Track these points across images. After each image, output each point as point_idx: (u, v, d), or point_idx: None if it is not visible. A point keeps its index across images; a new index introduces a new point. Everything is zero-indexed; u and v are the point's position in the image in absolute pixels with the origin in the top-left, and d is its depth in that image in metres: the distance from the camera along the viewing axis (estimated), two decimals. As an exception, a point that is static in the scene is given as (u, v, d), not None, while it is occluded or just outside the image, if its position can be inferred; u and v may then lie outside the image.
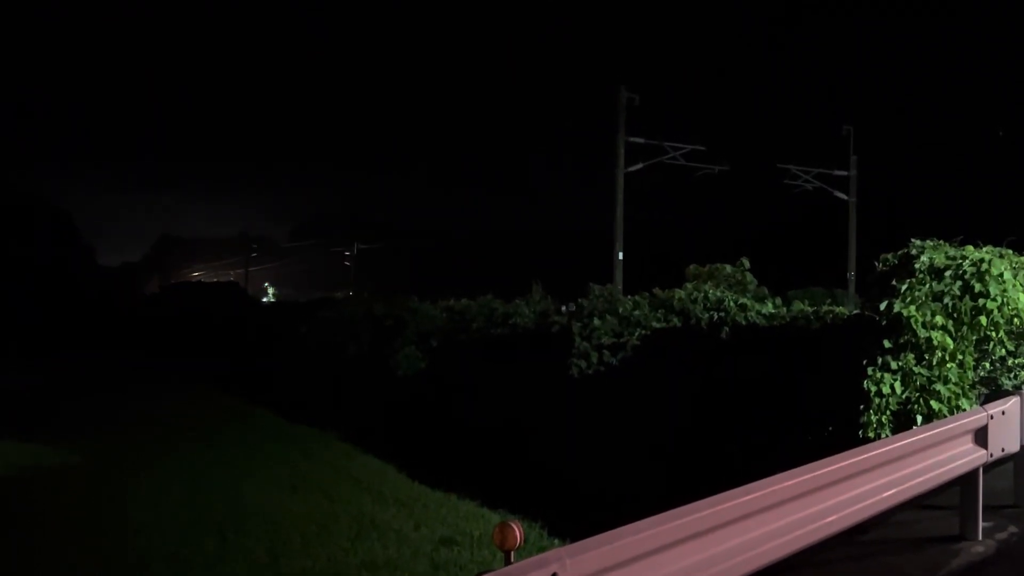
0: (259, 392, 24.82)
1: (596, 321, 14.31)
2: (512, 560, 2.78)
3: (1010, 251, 10.08)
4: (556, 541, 9.99)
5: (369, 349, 21.55)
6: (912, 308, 9.11)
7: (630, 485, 11.27)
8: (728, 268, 20.04)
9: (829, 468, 4.34)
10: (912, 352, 9.10)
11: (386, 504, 12.11)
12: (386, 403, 19.07)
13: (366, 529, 10.56)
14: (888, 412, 9.04)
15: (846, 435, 9.06)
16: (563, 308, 17.26)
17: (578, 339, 14.20)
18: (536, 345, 15.80)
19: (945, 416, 8.57)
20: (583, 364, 13.95)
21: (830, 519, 4.32)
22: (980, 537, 5.66)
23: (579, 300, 16.26)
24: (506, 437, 14.73)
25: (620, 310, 14.60)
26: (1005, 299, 9.16)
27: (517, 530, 2.79)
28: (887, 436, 8.38)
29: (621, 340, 13.99)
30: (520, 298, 20.07)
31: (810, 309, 12.71)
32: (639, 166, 27.89)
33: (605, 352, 13.95)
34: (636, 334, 13.95)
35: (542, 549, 7.86)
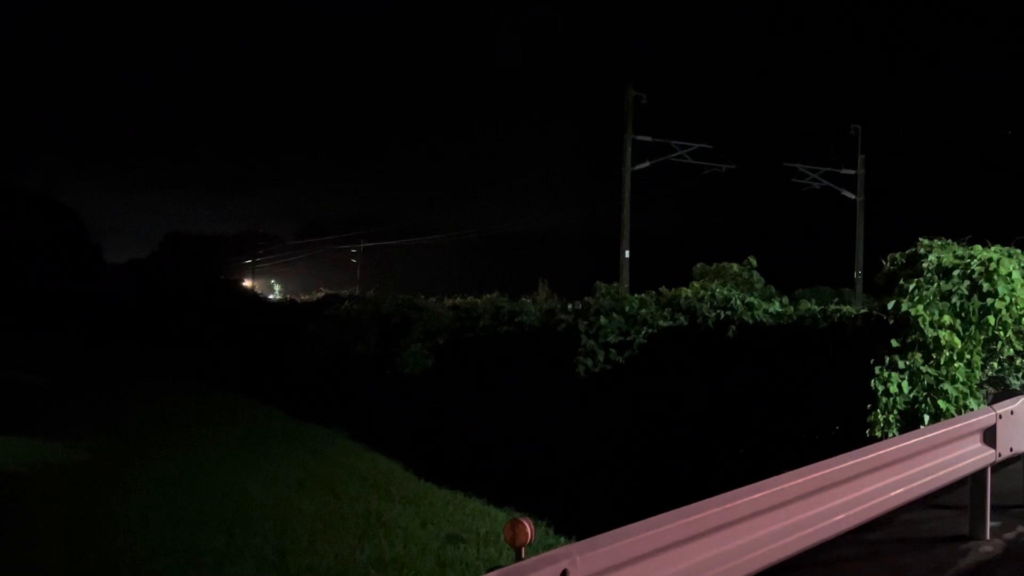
0: (266, 389, 24.90)
1: (603, 319, 14.31)
2: (523, 556, 2.79)
3: (1018, 251, 10.06)
4: (562, 539, 10.01)
5: (376, 347, 21.60)
6: (920, 307, 9.10)
7: (639, 482, 11.28)
8: (735, 267, 20.01)
9: (837, 467, 4.34)
10: (920, 351, 9.08)
11: (393, 502, 12.13)
12: (393, 400, 19.11)
13: (373, 527, 10.58)
14: (895, 411, 9.03)
15: (853, 434, 9.06)
16: (569, 306, 17.26)
17: (584, 337, 14.20)
18: (542, 343, 15.81)
19: (952, 415, 8.56)
20: (589, 362, 13.95)
21: (838, 518, 4.32)
22: (988, 537, 5.65)
23: (585, 298, 16.26)
24: (512, 435, 14.74)
25: (627, 309, 14.60)
26: (1013, 299, 9.14)
27: (528, 527, 2.80)
28: (894, 435, 8.37)
29: (628, 339, 13.99)
30: (527, 296, 20.09)
31: (817, 308, 12.68)
32: (646, 164, 27.87)
33: (612, 351, 13.95)
34: (643, 333, 13.95)
35: (549, 546, 7.88)
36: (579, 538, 3.12)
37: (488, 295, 20.89)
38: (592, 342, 14.12)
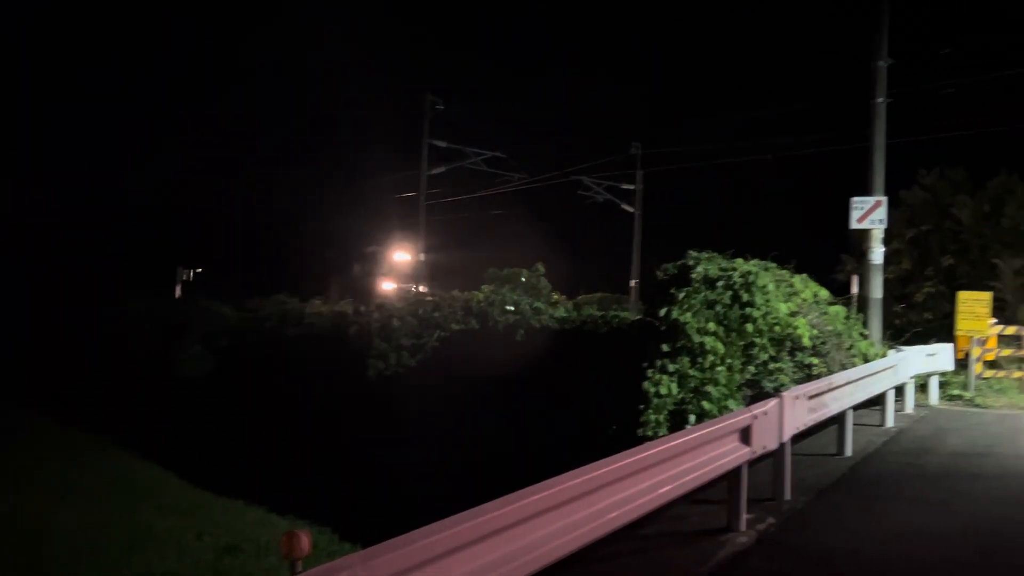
0: (25, 393, 22.61)
1: (395, 322, 14.26)
2: (300, 570, 2.71)
3: (774, 264, 11.11)
4: (348, 546, 9.84)
5: (152, 348, 20.26)
6: (688, 315, 9.80)
7: (430, 486, 11.30)
8: (525, 272, 20.63)
9: (612, 467, 4.56)
10: (688, 356, 9.78)
11: (166, 513, 11.40)
12: (171, 406, 18.00)
13: (142, 540, 9.89)
14: (666, 412, 9.66)
15: (628, 434, 9.58)
16: (361, 308, 17.05)
17: (377, 340, 14.08)
18: (334, 345, 15.50)
19: (715, 416, 9.27)
20: (381, 365, 13.86)
21: (612, 515, 4.54)
22: (744, 528, 6.16)
23: (379, 301, 16.14)
24: (301, 439, 14.33)
25: (420, 311, 14.64)
26: (768, 308, 10.07)
27: (305, 538, 2.72)
28: (664, 435, 8.96)
29: (420, 341, 14.03)
30: (318, 297, 19.63)
31: (599, 314, 13.32)
32: (441, 169, 28.19)
33: (404, 353, 13.93)
34: (436, 335, 14.04)
35: (334, 555, 7.72)
36: (366, 545, 3.08)
37: (276, 295, 20.18)
38: (384, 344, 14.03)
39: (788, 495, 7.17)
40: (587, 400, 11.05)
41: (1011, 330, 15.99)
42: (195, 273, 35.51)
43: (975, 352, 14.64)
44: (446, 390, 12.90)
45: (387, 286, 29.12)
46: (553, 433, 11.20)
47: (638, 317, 12.60)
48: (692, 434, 5.57)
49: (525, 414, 11.78)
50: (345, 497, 11.97)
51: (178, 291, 31.52)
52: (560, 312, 14.24)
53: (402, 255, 30.90)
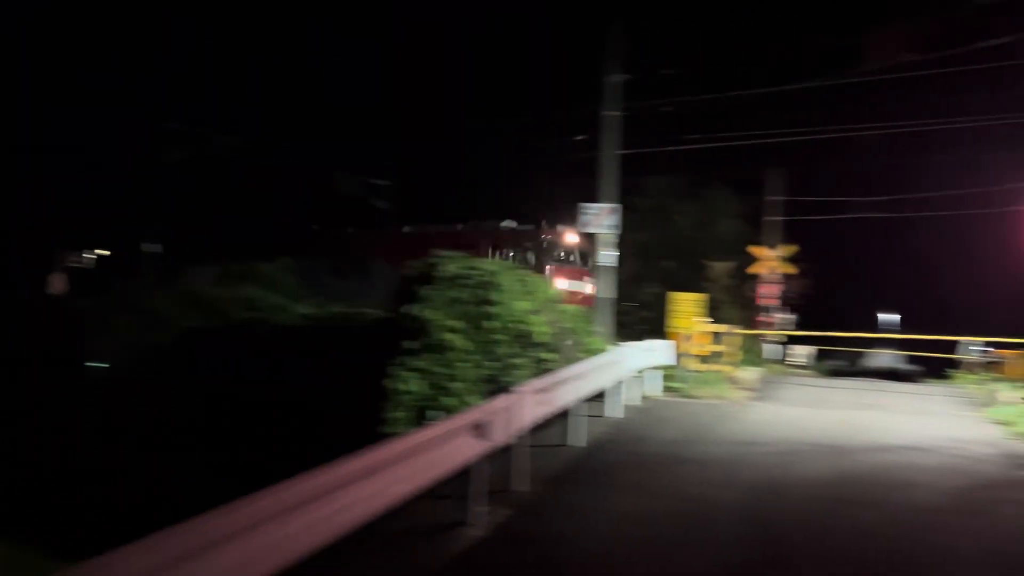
0: None
1: (119, 319, 13.27)
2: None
3: (516, 265, 11.64)
4: (62, 563, 9.00)
5: None
6: (433, 312, 10.01)
7: (150, 495, 10.62)
8: (266, 268, 19.91)
9: (352, 466, 4.58)
10: (432, 352, 9.97)
11: None
12: None
13: None
14: (411, 409, 9.79)
15: (372, 432, 9.60)
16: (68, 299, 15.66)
17: (92, 336, 13.04)
18: (48, 339, 14.09)
19: (457, 411, 9.54)
20: (105, 364, 12.83)
21: (351, 514, 4.55)
22: (480, 520, 6.39)
23: (101, 295, 14.96)
24: (10, 445, 12.90)
25: (148, 307, 13.72)
26: (507, 307, 10.53)
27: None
28: (408, 431, 9.08)
29: (146, 338, 13.15)
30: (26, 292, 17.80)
31: (346, 311, 13.21)
32: (179, 155, 26.58)
33: (126, 351, 12.99)
34: (168, 332, 13.22)
35: (46, 569, 7.03)
36: (72, 561, 2.88)
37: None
38: (101, 341, 13.02)
39: (527, 486, 7.54)
40: (332, 398, 10.90)
41: (721, 328, 17.85)
42: (97, 257, 27.98)
43: (684, 347, 16.20)
44: (179, 391, 12.18)
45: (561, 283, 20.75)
46: (297, 433, 10.94)
47: (385, 314, 12.64)
48: (428, 432, 5.70)
49: (268, 414, 11.40)
50: (66, 506, 10.94)
51: (54, 281, 23.00)
52: (306, 308, 13.92)
53: (572, 237, 22.30)
